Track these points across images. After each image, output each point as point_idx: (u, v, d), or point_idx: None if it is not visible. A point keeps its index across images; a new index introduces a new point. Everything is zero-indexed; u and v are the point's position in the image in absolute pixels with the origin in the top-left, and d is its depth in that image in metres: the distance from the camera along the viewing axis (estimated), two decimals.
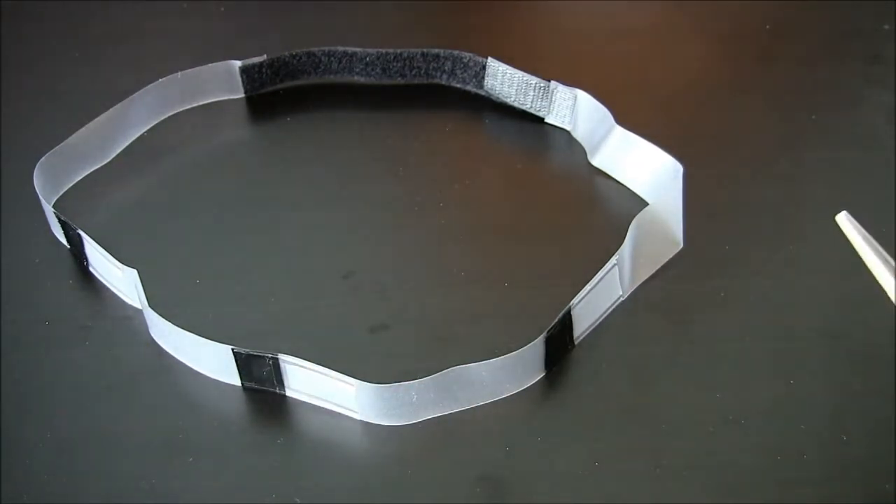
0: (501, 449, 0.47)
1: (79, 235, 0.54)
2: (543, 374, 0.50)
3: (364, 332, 0.52)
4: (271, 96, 0.66)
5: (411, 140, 0.63)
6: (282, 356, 0.48)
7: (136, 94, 0.62)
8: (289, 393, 0.49)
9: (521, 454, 0.47)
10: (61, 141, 0.59)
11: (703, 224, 0.56)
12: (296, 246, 0.57)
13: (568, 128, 0.63)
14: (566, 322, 0.50)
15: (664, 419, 0.48)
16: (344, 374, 0.47)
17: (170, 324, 0.50)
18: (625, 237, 0.52)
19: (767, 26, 0.72)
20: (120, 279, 0.53)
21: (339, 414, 0.49)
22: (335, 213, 0.59)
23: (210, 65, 0.64)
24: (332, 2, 0.74)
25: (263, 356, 0.48)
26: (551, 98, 0.63)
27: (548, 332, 0.49)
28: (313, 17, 0.73)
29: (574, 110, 0.62)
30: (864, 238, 0.43)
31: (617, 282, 0.52)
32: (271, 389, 0.49)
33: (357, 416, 0.48)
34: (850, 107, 0.65)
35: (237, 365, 0.49)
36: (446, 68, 0.65)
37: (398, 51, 0.65)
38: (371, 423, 0.48)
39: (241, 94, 0.66)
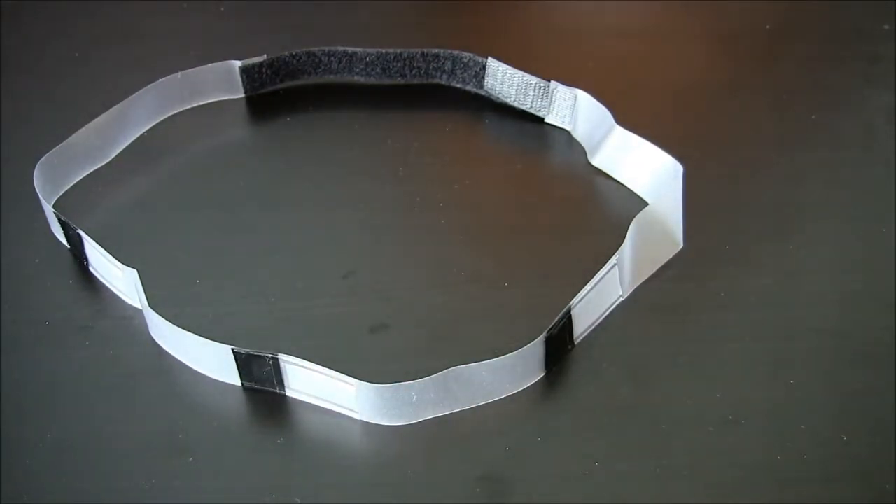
0: (501, 449, 0.47)
1: (79, 235, 0.54)
2: (543, 374, 0.50)
3: (364, 332, 0.52)
4: (271, 96, 0.66)
5: (411, 140, 0.63)
6: (282, 356, 0.48)
7: (136, 94, 0.62)
8: (289, 393, 0.49)
9: (521, 454, 0.47)
10: (61, 141, 0.59)
11: (703, 224, 0.56)
12: (296, 246, 0.57)
13: (568, 128, 0.63)
14: (566, 322, 0.50)
15: (664, 419, 0.48)
16: (344, 374, 0.47)
17: (170, 324, 0.50)
18: (625, 237, 0.52)
19: (767, 26, 0.72)
20: (120, 279, 0.53)
21: (339, 414, 0.49)
22: (335, 213, 0.59)
23: (210, 65, 0.64)
24: (332, 2, 0.74)
25: (263, 356, 0.48)
26: (551, 98, 0.63)
27: (548, 332, 0.49)
28: (313, 17, 0.73)
29: (574, 110, 0.62)
30: None
31: (617, 282, 0.52)
32: (271, 389, 0.49)
33: (357, 416, 0.48)
34: (850, 107, 0.65)
35: (237, 365, 0.49)
36: (446, 68, 0.65)
37: (398, 51, 0.65)
38: (371, 423, 0.48)
39: (241, 94, 0.66)
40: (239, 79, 0.65)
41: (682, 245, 0.55)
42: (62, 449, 0.48)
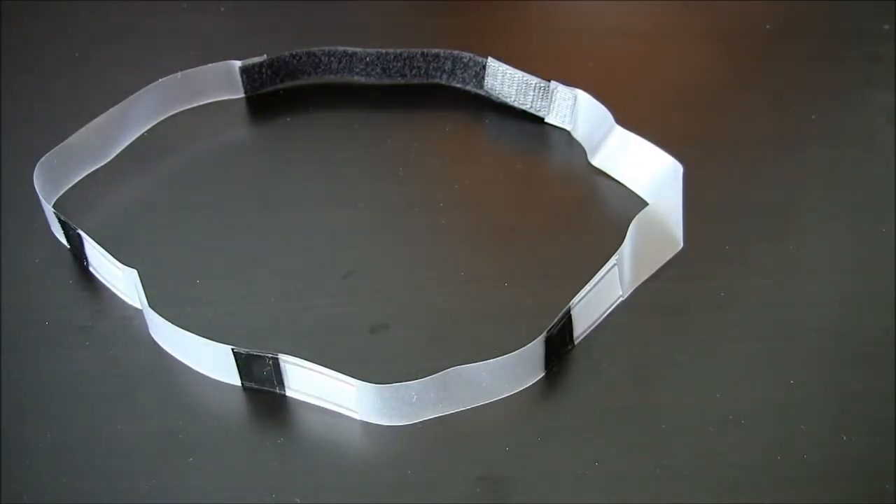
0: (501, 449, 0.47)
1: (79, 235, 0.54)
2: (543, 374, 0.50)
3: (364, 332, 0.52)
4: (271, 96, 0.66)
5: (411, 140, 0.63)
6: (282, 356, 0.48)
7: (136, 94, 0.62)
8: (289, 393, 0.49)
9: (521, 454, 0.47)
10: (61, 141, 0.59)
11: (703, 224, 0.56)
12: (296, 246, 0.57)
13: (568, 128, 0.63)
14: (566, 322, 0.50)
15: (664, 419, 0.48)
16: (344, 374, 0.47)
17: (170, 324, 0.50)
18: (625, 237, 0.52)
19: (767, 26, 0.72)
20: (120, 279, 0.53)
21: (339, 414, 0.49)
22: (335, 213, 0.59)
23: (210, 65, 0.64)
24: (332, 2, 0.74)
25: (263, 356, 0.48)
26: (551, 98, 0.63)
27: (548, 332, 0.49)
28: (313, 17, 0.73)
29: (574, 110, 0.62)
30: None
31: (617, 282, 0.52)
32: (271, 389, 0.49)
33: (357, 416, 0.48)
34: (850, 107, 0.65)
35: (237, 365, 0.49)
36: (446, 68, 0.65)
37: (398, 51, 0.65)
38: (371, 423, 0.48)
39: (241, 94, 0.66)
40: (239, 79, 0.65)
41: (682, 245, 0.55)
42: (62, 449, 0.48)
